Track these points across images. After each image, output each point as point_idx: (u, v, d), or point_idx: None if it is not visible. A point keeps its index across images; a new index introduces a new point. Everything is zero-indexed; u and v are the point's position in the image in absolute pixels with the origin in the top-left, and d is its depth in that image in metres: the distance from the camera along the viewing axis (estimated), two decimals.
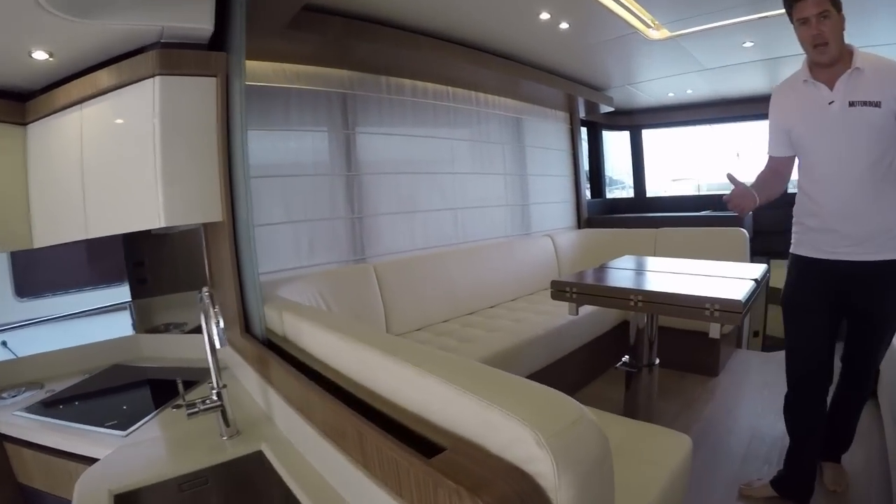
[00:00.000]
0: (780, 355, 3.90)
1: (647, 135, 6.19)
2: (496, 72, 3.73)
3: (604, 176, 6.47)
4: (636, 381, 2.64)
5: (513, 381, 1.03)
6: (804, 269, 2.14)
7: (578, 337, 3.46)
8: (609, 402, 3.14)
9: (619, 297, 2.42)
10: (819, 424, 2.21)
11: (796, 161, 2.17)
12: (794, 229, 2.21)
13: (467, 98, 4.12)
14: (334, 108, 3.20)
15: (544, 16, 3.12)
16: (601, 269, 3.02)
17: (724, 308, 2.05)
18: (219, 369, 1.64)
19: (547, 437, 0.80)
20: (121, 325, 2.74)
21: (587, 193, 5.85)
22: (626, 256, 3.53)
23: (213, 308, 1.51)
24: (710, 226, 4.41)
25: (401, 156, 3.61)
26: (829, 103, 1.93)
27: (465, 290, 3.68)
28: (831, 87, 1.92)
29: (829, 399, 2.24)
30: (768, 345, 4.69)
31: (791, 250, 2.22)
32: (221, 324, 1.50)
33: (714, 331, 2.20)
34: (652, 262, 3.36)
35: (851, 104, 1.88)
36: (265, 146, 2.87)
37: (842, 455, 2.41)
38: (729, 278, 2.50)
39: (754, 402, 3.32)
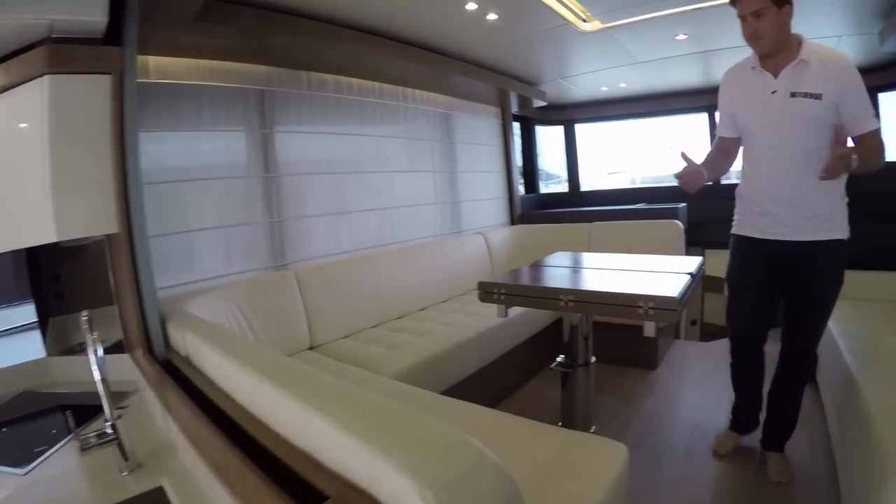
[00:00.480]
0: (719, 345, 4.04)
1: (583, 129, 6.17)
2: (422, 66, 3.61)
3: (537, 171, 6.42)
4: (572, 380, 2.57)
5: (404, 419, 0.92)
6: (744, 247, 2.28)
7: (512, 337, 3.37)
8: (546, 402, 3.10)
9: (550, 298, 2.32)
10: (761, 370, 2.47)
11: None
12: (736, 209, 2.34)
13: (394, 94, 3.99)
14: (250, 106, 3.01)
15: (471, 6, 3.01)
16: (534, 267, 2.93)
17: (658, 306, 1.98)
18: (111, 399, 1.47)
19: (435, 490, 0.69)
20: (35, 347, 2.50)
21: (520, 189, 5.81)
22: (559, 253, 3.46)
23: (91, 334, 1.36)
24: (645, 219, 4.41)
25: (324, 155, 3.45)
26: (772, 92, 2.02)
27: (394, 293, 3.53)
28: (776, 77, 2.01)
29: (767, 390, 2.43)
30: (707, 332, 4.72)
31: (732, 231, 2.35)
32: (100, 352, 1.35)
33: (649, 329, 2.14)
34: (586, 259, 3.30)
35: (793, 95, 1.97)
36: (175, 149, 2.68)
37: (785, 444, 2.42)
38: (664, 273, 2.47)
39: (694, 394, 3.32)
